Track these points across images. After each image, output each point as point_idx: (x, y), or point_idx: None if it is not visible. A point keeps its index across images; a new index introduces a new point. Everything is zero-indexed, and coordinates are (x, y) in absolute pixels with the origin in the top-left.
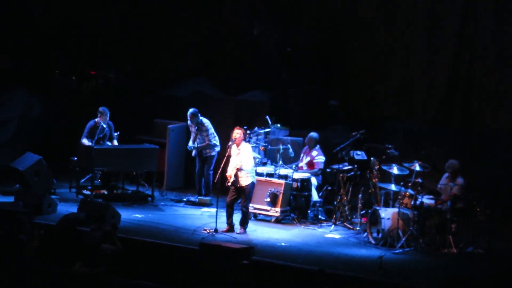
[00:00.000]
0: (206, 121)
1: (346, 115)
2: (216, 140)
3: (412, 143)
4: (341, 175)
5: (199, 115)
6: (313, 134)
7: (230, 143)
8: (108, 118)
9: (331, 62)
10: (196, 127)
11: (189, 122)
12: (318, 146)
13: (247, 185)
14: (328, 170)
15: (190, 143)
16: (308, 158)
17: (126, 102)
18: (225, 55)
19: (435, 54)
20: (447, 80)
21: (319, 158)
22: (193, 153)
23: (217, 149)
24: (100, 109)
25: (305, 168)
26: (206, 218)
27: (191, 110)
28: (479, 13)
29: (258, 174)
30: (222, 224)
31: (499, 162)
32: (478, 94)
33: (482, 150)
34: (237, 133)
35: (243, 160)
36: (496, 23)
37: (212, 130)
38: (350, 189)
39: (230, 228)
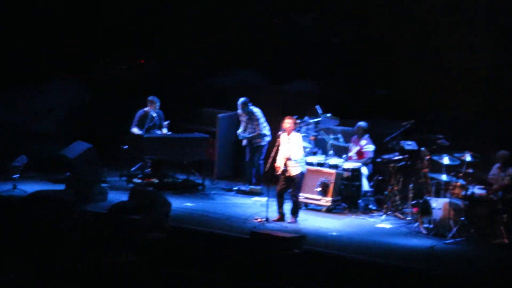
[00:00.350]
0: (257, 110)
1: (395, 105)
2: (266, 130)
3: (460, 134)
4: (391, 165)
5: (250, 104)
6: (362, 123)
7: (280, 132)
8: (158, 107)
9: (379, 52)
10: (247, 116)
11: (239, 111)
12: (367, 135)
13: (297, 174)
14: (378, 160)
15: (241, 131)
16: (358, 148)
17: (174, 91)
18: (273, 45)
19: (480, 40)
20: (492, 69)
21: (368, 147)
22: (244, 142)
23: (268, 138)
24: (150, 98)
25: (354, 157)
26: (257, 207)
27: (242, 99)
28: None
29: (308, 163)
30: (273, 213)
31: None
32: None
33: None
34: (288, 122)
35: (292, 149)
36: None
37: (263, 119)
38: (401, 179)
39: (281, 217)
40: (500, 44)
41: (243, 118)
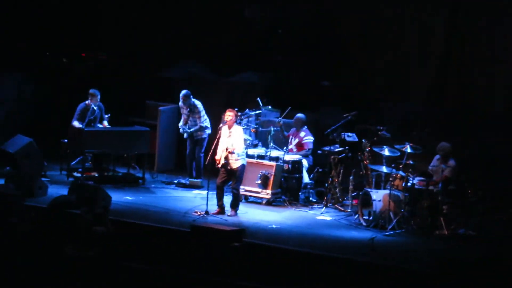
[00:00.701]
0: (198, 103)
1: (339, 96)
2: (207, 123)
3: (404, 125)
4: (332, 157)
5: (192, 97)
6: (300, 115)
7: (221, 125)
8: (98, 100)
9: (322, 43)
10: (188, 109)
11: (181, 103)
12: (305, 127)
13: (238, 167)
14: (319, 152)
15: (181, 124)
16: (297, 140)
17: (117, 83)
18: (217, 36)
19: (428, 33)
20: (439, 61)
21: (308, 138)
22: (185, 135)
23: (208, 131)
24: (91, 91)
25: (295, 150)
26: (197, 200)
27: (183, 91)
28: None
29: (249, 156)
30: (213, 207)
31: (490, 143)
32: (470, 74)
33: (473, 131)
34: (229, 115)
35: (234, 142)
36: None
37: (203, 112)
38: (341, 171)
39: (221, 210)
40: (450, 29)
41: (184, 111)
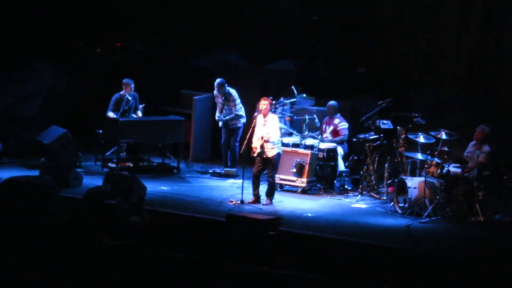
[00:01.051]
0: (233, 91)
1: (374, 83)
2: (242, 111)
3: (439, 112)
4: (367, 144)
5: (226, 85)
6: (333, 102)
7: (256, 113)
8: (133, 89)
9: (358, 30)
10: (223, 98)
11: (215, 92)
12: (339, 114)
13: (273, 156)
14: (354, 139)
15: (217, 113)
16: (331, 127)
17: (152, 73)
18: (252, 24)
19: (464, 21)
20: (475, 48)
21: (343, 125)
22: (220, 124)
23: (243, 120)
24: (124, 80)
25: (330, 137)
26: (232, 189)
27: (218, 80)
28: None
29: (284, 144)
30: (248, 196)
31: None
32: (505, 61)
33: (509, 119)
34: (264, 103)
35: (270, 131)
36: None
37: (238, 100)
38: (377, 158)
39: (257, 199)
40: (483, 24)
41: (220, 100)
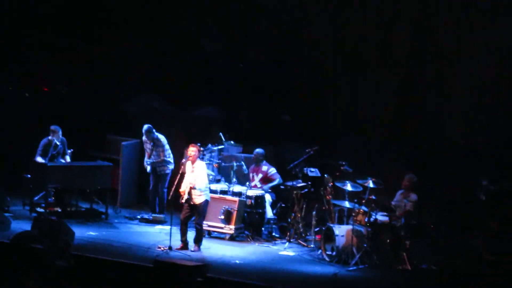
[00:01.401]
0: (161, 137)
1: (299, 130)
2: (170, 158)
3: (365, 159)
4: (295, 192)
5: (154, 131)
6: (260, 150)
7: (184, 160)
8: (60, 135)
9: (282, 77)
10: (152, 143)
11: (144, 138)
12: (264, 161)
13: (201, 202)
14: (282, 187)
15: (146, 158)
16: (260, 175)
17: (79, 118)
18: (178, 70)
19: (387, 66)
20: (398, 94)
21: (272, 170)
22: (148, 169)
23: (171, 166)
24: (52, 127)
25: (259, 185)
26: (160, 235)
27: (145, 127)
28: (430, 26)
29: (212, 191)
30: (177, 242)
31: (451, 176)
32: (429, 107)
33: (433, 164)
34: (192, 150)
35: (197, 178)
36: (445, 36)
37: (167, 146)
38: (304, 206)
39: (184, 245)
40: (408, 68)
41: (148, 145)
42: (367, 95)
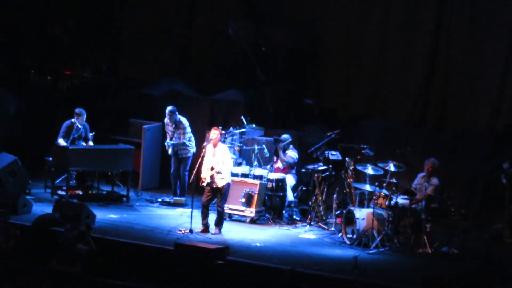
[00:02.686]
0: (184, 119)
1: (322, 114)
2: (192, 141)
3: (387, 143)
4: (316, 175)
5: (177, 113)
6: (285, 135)
7: (205, 143)
8: (84, 120)
9: (306, 61)
10: (173, 125)
11: (166, 119)
12: (292, 146)
13: (223, 185)
14: (303, 170)
15: (167, 140)
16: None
17: (101, 101)
18: (200, 54)
19: (410, 52)
20: (422, 80)
21: (292, 152)
22: (170, 151)
23: (193, 149)
24: (77, 110)
25: (281, 167)
26: (181, 218)
27: (169, 107)
28: (454, 11)
29: (233, 174)
30: (198, 225)
31: (473, 162)
32: (452, 93)
33: (456, 150)
34: (214, 133)
35: (222, 161)
36: (471, 20)
37: (189, 129)
38: (325, 189)
39: (205, 228)
40: (429, 52)
41: (170, 128)
42: (390, 78)
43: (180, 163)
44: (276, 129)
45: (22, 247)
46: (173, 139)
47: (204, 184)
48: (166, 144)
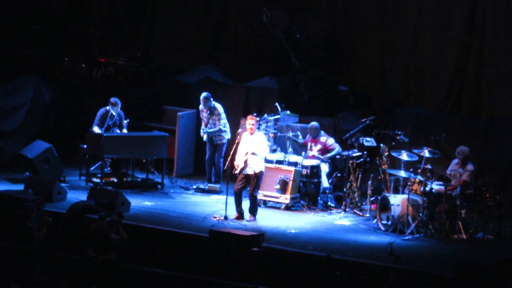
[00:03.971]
0: (218, 106)
1: (356, 101)
2: (227, 127)
3: (422, 129)
4: (350, 161)
5: (212, 99)
6: (314, 123)
7: (240, 130)
8: (119, 109)
9: (341, 48)
10: (208, 112)
11: (201, 106)
12: (323, 131)
13: (258, 173)
14: (337, 156)
15: (202, 127)
16: (319, 146)
17: (135, 89)
18: (235, 41)
19: (445, 39)
20: (456, 67)
21: (331, 140)
22: (205, 138)
23: (228, 136)
24: (112, 99)
25: (317, 155)
26: (216, 205)
27: (204, 94)
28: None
29: (267, 161)
30: (232, 212)
31: (507, 149)
32: (487, 80)
33: (490, 137)
34: (250, 123)
35: (258, 148)
36: (506, 10)
37: (223, 115)
38: (360, 175)
39: (240, 215)
40: (463, 39)
41: (204, 114)
42: (425, 65)
43: (215, 150)
44: (310, 116)
45: (58, 235)
46: (208, 125)
47: (237, 171)
48: (201, 130)
